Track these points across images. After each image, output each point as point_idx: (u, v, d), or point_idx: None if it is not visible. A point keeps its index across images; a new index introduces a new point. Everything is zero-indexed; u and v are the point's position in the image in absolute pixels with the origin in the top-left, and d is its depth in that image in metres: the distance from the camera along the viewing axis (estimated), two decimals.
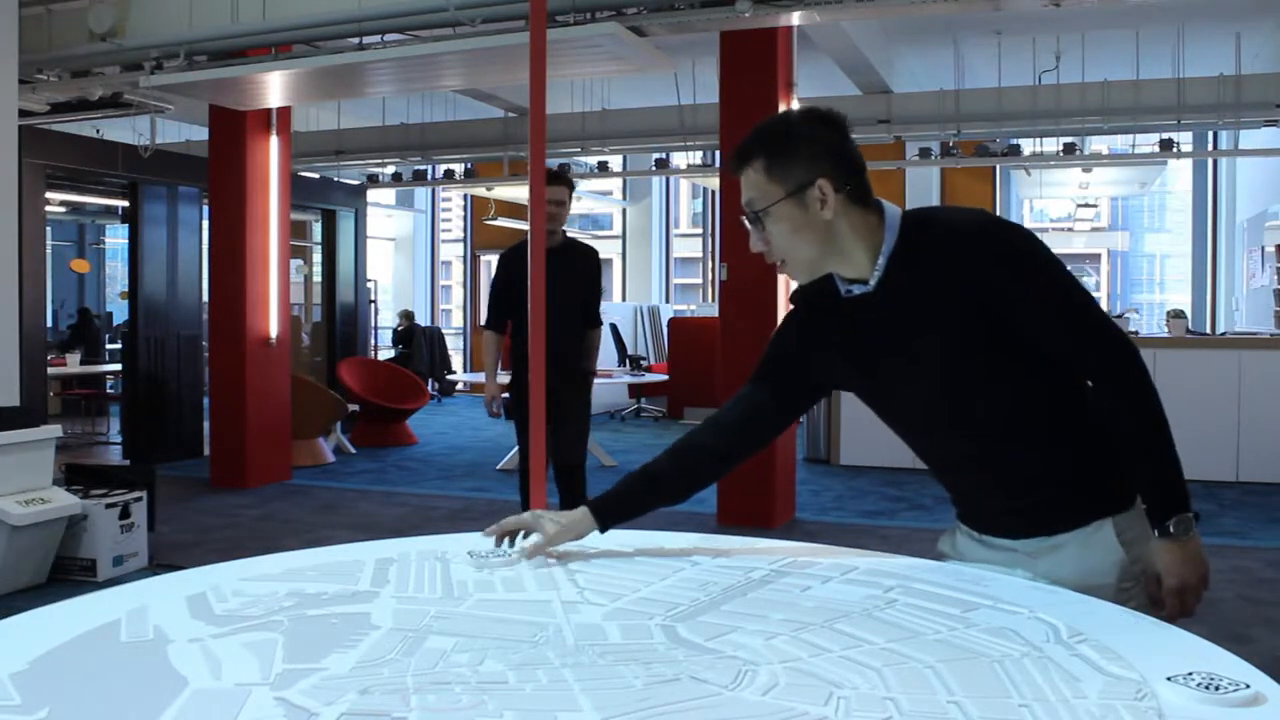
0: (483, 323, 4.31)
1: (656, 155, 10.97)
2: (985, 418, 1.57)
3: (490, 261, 15.95)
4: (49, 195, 8.40)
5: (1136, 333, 8.87)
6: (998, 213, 13.40)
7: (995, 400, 1.55)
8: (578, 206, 14.80)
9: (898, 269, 1.53)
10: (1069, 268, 1.52)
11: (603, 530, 1.63)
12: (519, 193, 11.63)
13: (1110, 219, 16.28)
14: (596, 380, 9.02)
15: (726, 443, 1.70)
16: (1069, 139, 9.18)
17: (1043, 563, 1.56)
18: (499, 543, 1.62)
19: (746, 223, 1.57)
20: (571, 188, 4.18)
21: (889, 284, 1.54)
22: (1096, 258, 16.88)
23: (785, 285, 5.90)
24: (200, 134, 8.78)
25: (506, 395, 4.72)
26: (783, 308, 5.91)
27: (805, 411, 1.76)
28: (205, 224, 7.96)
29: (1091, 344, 1.49)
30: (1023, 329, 1.48)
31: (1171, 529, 1.47)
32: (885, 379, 1.62)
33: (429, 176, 11.72)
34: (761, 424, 1.71)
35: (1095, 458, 1.55)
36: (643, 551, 1.63)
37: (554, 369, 3.71)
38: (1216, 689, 1.02)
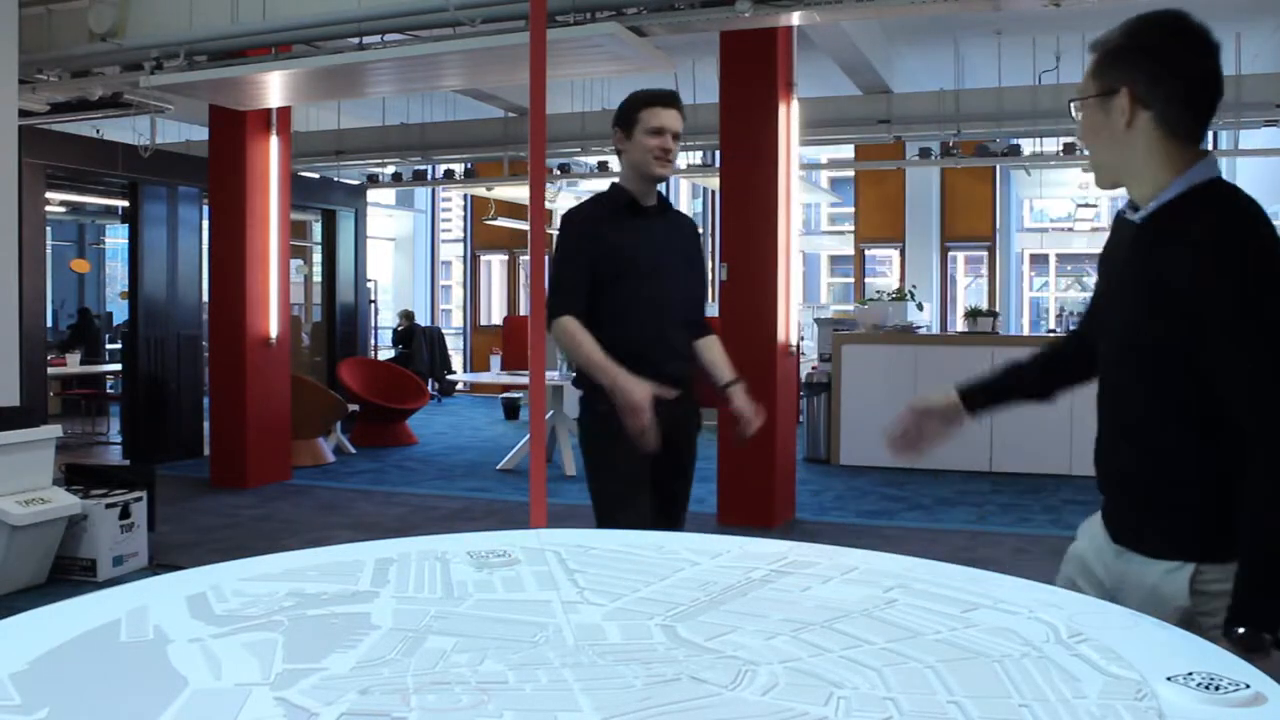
0: (555, 308, 2.66)
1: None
2: (1128, 402, 1.53)
3: (491, 261, 15.94)
4: (49, 195, 8.40)
5: None
6: (997, 212, 13.39)
7: (1141, 391, 1.50)
8: None
9: (1164, 218, 1.46)
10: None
11: (970, 413, 1.81)
12: (519, 193, 11.62)
13: (1110, 219, 16.27)
14: None
15: (1070, 363, 1.79)
16: (1069, 139, 9.18)
17: (1118, 573, 1.54)
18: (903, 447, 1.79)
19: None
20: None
21: (1150, 226, 1.48)
22: (1097, 258, 16.84)
23: (785, 287, 5.90)
24: (200, 134, 8.78)
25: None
26: (783, 308, 5.91)
27: None
28: (205, 224, 7.96)
29: (1258, 405, 1.36)
30: (1206, 349, 1.40)
31: (1233, 635, 1.34)
32: (1105, 309, 1.61)
33: (429, 176, 11.72)
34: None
35: (1206, 500, 1.44)
36: (643, 551, 1.63)
37: (671, 399, 2.62)
38: (1216, 689, 1.02)
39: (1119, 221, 1.60)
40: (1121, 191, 1.59)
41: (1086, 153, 1.57)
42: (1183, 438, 1.47)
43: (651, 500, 2.65)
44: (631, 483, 2.60)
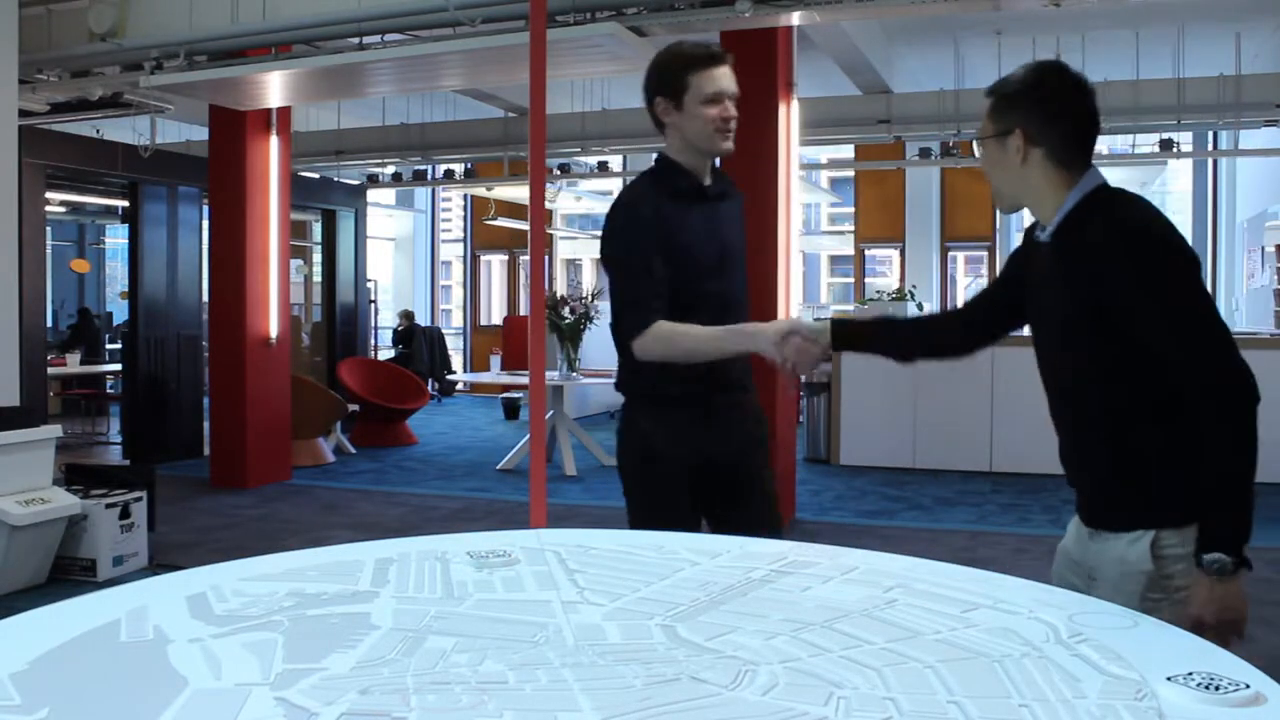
0: (638, 323, 2.17)
1: (656, 155, 10.95)
2: (1080, 398, 1.68)
3: (491, 261, 15.92)
4: (49, 195, 8.40)
5: None
6: (997, 212, 13.39)
7: (1081, 380, 1.67)
8: (577, 207, 14.74)
9: (1067, 230, 1.65)
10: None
11: (834, 348, 1.98)
12: (519, 193, 11.62)
13: None
14: (595, 380, 9.01)
15: (940, 336, 2.01)
16: None
17: (1093, 554, 1.68)
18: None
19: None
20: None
21: (1057, 240, 1.67)
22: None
23: (785, 287, 5.90)
24: (200, 134, 8.77)
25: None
26: (782, 309, 5.90)
27: (1005, 332, 1.92)
28: (205, 224, 7.96)
29: (1195, 365, 1.54)
30: (1135, 332, 1.56)
31: (1203, 563, 1.50)
32: (1034, 324, 1.77)
33: (429, 176, 11.72)
34: (971, 332, 1.95)
35: (1157, 468, 1.60)
36: (643, 551, 1.63)
37: (726, 395, 2.28)
38: (1216, 689, 1.02)
39: (1030, 242, 1.79)
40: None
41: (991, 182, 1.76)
42: (1134, 420, 1.62)
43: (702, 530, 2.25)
44: (670, 513, 2.16)
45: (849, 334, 2.02)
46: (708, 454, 2.24)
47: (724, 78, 2.23)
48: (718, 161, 2.35)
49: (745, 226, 2.41)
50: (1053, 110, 1.64)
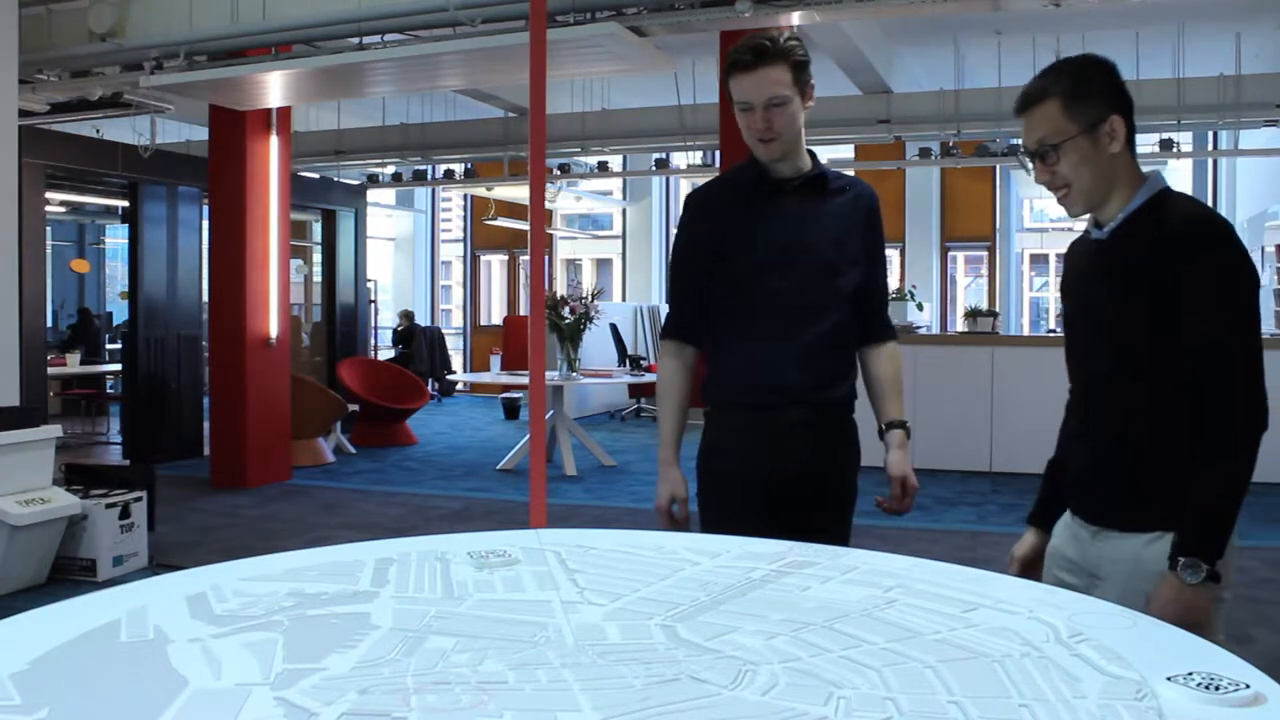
0: (666, 329, 2.29)
1: (656, 155, 10.97)
2: (1100, 388, 1.68)
3: (491, 261, 15.92)
4: (49, 195, 8.40)
5: None
6: (997, 212, 13.37)
7: (1114, 376, 1.66)
8: (577, 207, 14.73)
9: (1129, 228, 1.64)
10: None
11: (1046, 530, 1.85)
12: (519, 193, 11.63)
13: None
14: (595, 380, 9.00)
15: None
16: None
17: (1098, 554, 1.68)
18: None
19: (1029, 159, 1.67)
20: (795, 66, 2.07)
21: (1115, 239, 1.65)
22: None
23: None
24: (200, 134, 8.78)
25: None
26: None
27: None
28: (205, 224, 7.96)
29: (1220, 381, 1.54)
30: (1178, 329, 1.56)
31: (1178, 565, 1.53)
32: (1071, 321, 1.76)
33: (429, 176, 11.72)
34: None
35: (1179, 468, 1.59)
36: (643, 551, 1.63)
37: (785, 407, 2.22)
38: (1216, 689, 1.02)
39: (1080, 246, 1.77)
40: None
41: (1059, 192, 1.69)
42: (1163, 424, 1.62)
43: None
44: (724, 520, 2.11)
45: (1048, 511, 1.87)
46: (765, 465, 2.19)
47: (749, 87, 2.07)
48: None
49: (862, 226, 2.20)
50: (1125, 94, 1.64)
